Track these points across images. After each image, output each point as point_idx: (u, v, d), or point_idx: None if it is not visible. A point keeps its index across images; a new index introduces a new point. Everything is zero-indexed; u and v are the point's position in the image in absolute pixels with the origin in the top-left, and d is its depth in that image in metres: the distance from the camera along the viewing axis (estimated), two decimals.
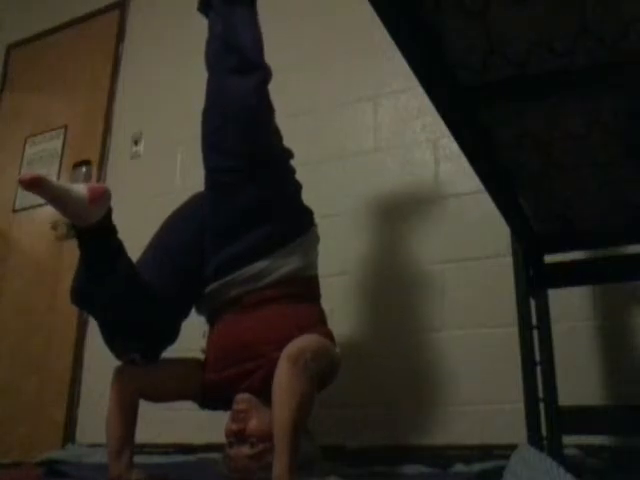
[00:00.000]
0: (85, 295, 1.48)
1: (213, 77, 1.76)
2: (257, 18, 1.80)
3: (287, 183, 1.70)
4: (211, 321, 1.66)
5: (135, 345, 1.56)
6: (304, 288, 1.61)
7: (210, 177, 1.70)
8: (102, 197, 1.42)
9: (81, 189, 1.39)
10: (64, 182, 1.40)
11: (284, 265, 1.57)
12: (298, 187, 1.72)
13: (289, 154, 1.73)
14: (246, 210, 1.61)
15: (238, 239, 1.59)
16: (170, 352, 1.64)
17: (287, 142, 1.74)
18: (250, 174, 1.61)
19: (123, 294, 1.47)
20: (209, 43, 1.81)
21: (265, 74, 1.73)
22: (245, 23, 1.75)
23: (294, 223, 1.65)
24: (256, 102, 1.67)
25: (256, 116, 1.66)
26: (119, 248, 1.51)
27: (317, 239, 1.70)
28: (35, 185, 1.32)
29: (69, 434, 2.68)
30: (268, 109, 1.72)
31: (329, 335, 1.57)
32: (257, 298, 1.55)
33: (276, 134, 1.72)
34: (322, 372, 1.45)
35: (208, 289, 1.61)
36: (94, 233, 1.44)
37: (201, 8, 1.90)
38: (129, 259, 1.53)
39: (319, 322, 1.59)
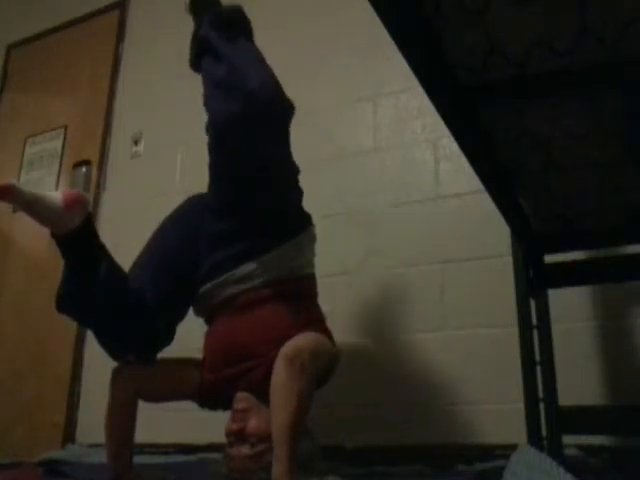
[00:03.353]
0: (70, 302, 1.47)
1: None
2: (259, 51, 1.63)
3: (289, 198, 1.65)
4: (208, 322, 1.65)
5: (129, 347, 1.56)
6: (300, 286, 1.60)
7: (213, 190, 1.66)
8: (77, 202, 1.41)
9: (55, 196, 1.39)
10: (37, 190, 1.41)
11: (279, 264, 1.57)
12: (299, 196, 1.68)
13: (295, 170, 1.66)
14: (247, 219, 1.59)
15: (235, 242, 1.58)
16: (170, 352, 1.64)
17: None
18: (250, 197, 1.58)
19: (108, 299, 1.46)
20: (210, 97, 1.59)
21: (284, 112, 1.54)
22: (252, 59, 1.57)
23: (291, 225, 1.63)
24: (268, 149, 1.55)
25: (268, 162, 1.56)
26: (102, 252, 1.50)
27: (314, 239, 1.69)
28: (5, 194, 1.31)
29: (69, 434, 2.68)
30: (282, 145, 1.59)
31: (327, 332, 1.57)
32: (252, 298, 1.54)
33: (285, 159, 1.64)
34: (320, 370, 1.45)
35: (202, 290, 1.60)
36: (74, 239, 1.43)
37: (197, 63, 1.69)
38: (114, 263, 1.53)
39: (316, 320, 1.59)
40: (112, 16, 3.35)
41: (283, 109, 1.53)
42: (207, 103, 1.59)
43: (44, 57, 3.53)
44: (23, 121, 3.45)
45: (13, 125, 3.49)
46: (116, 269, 1.53)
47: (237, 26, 1.64)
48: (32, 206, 1.37)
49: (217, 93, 1.55)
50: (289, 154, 1.63)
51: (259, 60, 1.57)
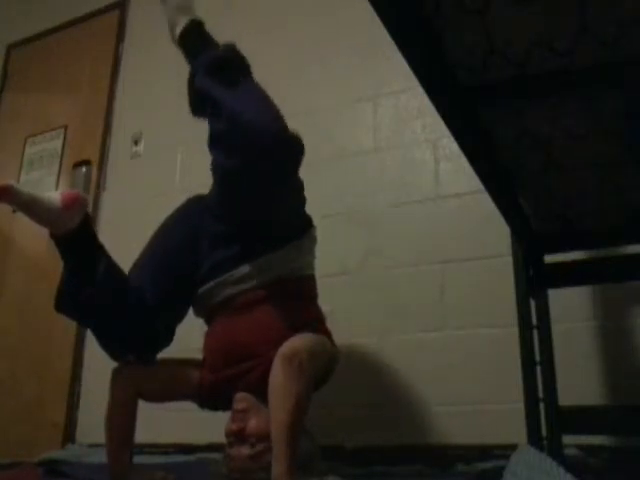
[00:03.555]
0: (70, 302, 1.48)
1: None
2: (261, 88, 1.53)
3: (291, 207, 1.63)
4: (208, 322, 1.65)
5: (129, 347, 1.56)
6: (300, 287, 1.60)
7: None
8: (76, 203, 1.41)
9: (54, 196, 1.39)
10: (35, 191, 1.42)
11: (279, 265, 1.56)
12: (302, 203, 1.66)
13: (299, 185, 1.62)
14: (248, 223, 1.58)
15: (235, 243, 1.58)
16: (170, 352, 1.64)
17: None
18: (252, 209, 1.56)
19: (107, 298, 1.46)
20: (213, 150, 1.52)
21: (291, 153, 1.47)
22: (253, 103, 1.46)
23: (292, 229, 1.63)
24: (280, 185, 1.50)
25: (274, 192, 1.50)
26: (101, 252, 1.50)
27: (314, 241, 1.69)
28: (3, 194, 1.31)
29: (69, 434, 2.68)
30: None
31: (326, 333, 1.57)
32: (251, 298, 1.54)
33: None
34: (318, 371, 1.44)
35: (201, 290, 1.60)
36: (72, 240, 1.43)
37: (196, 109, 1.58)
38: (113, 263, 1.53)
39: (316, 320, 1.59)
40: (112, 16, 3.35)
41: (288, 153, 1.45)
42: (210, 151, 1.53)
43: (44, 57, 3.53)
44: (23, 121, 3.45)
45: (13, 125, 3.49)
46: (115, 269, 1.53)
47: (234, 67, 1.53)
48: (30, 207, 1.37)
49: (219, 147, 1.50)
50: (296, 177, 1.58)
51: (261, 102, 1.47)
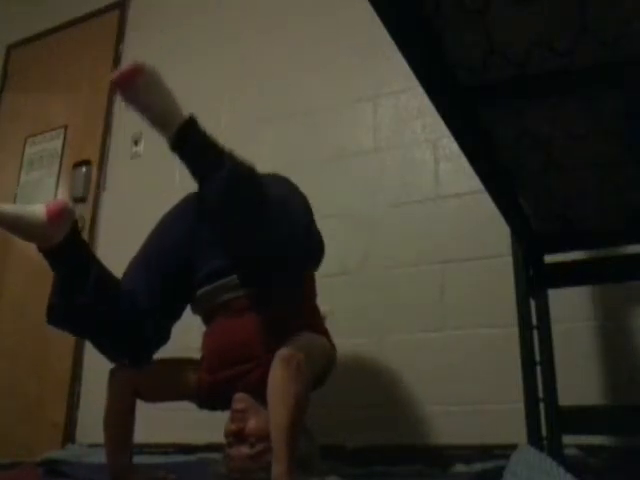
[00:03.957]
0: (60, 314, 1.45)
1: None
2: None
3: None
4: (206, 322, 1.65)
5: (122, 352, 1.56)
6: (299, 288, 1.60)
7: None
8: (62, 215, 1.36)
9: (37, 210, 1.34)
10: (18, 206, 1.37)
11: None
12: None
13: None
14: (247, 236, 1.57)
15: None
16: (169, 351, 1.64)
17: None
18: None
19: (99, 306, 1.45)
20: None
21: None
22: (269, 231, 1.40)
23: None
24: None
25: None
26: (91, 261, 1.48)
27: None
28: None
29: (69, 434, 2.68)
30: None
31: (325, 333, 1.57)
32: (250, 300, 1.53)
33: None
34: (317, 371, 1.44)
35: (199, 292, 1.59)
36: (61, 252, 1.40)
37: None
38: (103, 269, 1.51)
39: (314, 321, 1.59)
40: (112, 16, 3.35)
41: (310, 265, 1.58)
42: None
43: (44, 57, 3.53)
44: (23, 121, 3.45)
45: (13, 125, 3.49)
46: (107, 276, 1.52)
47: (245, 194, 1.39)
48: (14, 225, 1.34)
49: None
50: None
51: (274, 233, 1.41)
